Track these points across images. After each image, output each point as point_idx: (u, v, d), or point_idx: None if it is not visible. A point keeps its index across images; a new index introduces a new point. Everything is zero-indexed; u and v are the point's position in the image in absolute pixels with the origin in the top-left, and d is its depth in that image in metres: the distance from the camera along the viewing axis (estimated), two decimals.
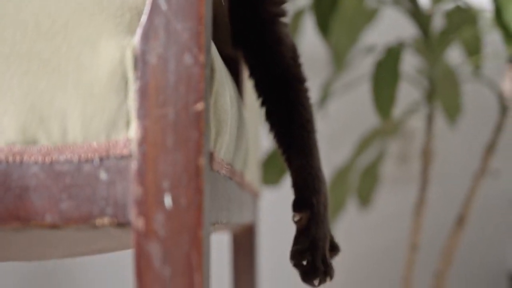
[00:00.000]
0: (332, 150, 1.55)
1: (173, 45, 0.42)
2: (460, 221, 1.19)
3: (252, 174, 0.83)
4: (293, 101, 0.62)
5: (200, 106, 0.42)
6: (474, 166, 1.28)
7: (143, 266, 0.41)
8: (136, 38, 0.43)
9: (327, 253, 0.61)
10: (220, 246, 1.43)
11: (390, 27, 1.45)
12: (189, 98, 0.42)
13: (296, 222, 0.60)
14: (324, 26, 1.12)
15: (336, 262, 1.53)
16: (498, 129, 1.18)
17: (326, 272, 0.59)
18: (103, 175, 0.42)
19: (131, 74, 0.43)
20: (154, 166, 0.42)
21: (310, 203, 0.59)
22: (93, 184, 0.42)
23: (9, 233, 0.44)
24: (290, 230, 1.61)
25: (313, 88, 1.49)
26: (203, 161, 0.42)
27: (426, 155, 1.18)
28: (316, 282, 0.59)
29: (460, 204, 1.23)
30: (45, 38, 0.43)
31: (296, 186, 0.61)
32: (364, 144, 1.28)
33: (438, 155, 1.52)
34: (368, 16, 1.27)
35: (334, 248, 0.63)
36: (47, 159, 0.43)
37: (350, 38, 1.28)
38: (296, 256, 0.59)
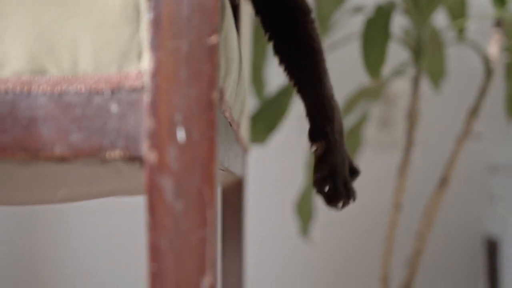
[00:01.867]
0: None
1: None
2: (442, 183, 1.20)
3: (244, 127, 0.83)
4: (300, 31, 0.62)
5: (214, 39, 0.41)
6: (458, 129, 1.29)
7: (155, 200, 0.41)
8: None
9: (348, 177, 0.62)
10: None
11: None
12: (203, 31, 0.41)
13: (313, 152, 0.61)
14: None
15: (320, 223, 1.53)
16: (483, 92, 1.19)
17: (349, 195, 0.61)
18: (114, 107, 0.42)
19: (143, 4, 0.42)
20: (167, 99, 0.41)
21: (324, 132, 0.60)
22: (104, 116, 0.42)
23: (12, 167, 0.43)
24: (276, 187, 1.60)
25: None
26: (216, 95, 0.41)
27: (412, 118, 1.19)
28: (339, 205, 0.61)
29: (442, 167, 1.24)
30: None
31: (310, 115, 0.62)
32: (349, 106, 1.28)
33: (422, 118, 1.53)
34: None
35: (354, 171, 0.65)
36: (56, 90, 0.42)
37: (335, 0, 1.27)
38: (318, 184, 0.60)
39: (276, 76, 1.43)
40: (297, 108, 1.46)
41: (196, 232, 0.40)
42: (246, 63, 0.97)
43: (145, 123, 0.41)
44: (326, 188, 0.60)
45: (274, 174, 1.55)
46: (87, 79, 0.42)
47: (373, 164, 1.55)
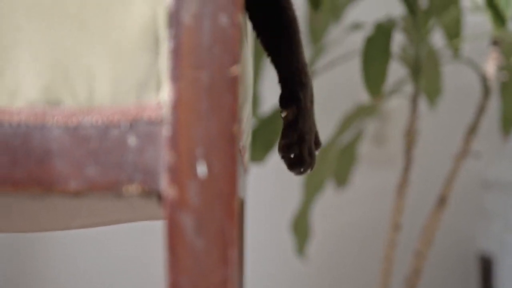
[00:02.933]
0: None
1: (209, 3, 0.40)
2: (441, 202, 1.19)
3: (248, 148, 0.81)
4: (276, 2, 0.61)
5: (236, 69, 0.40)
6: (454, 147, 1.29)
7: (175, 238, 0.39)
8: None
9: (313, 146, 0.63)
10: None
11: (373, 5, 1.44)
12: (225, 61, 0.40)
13: (283, 118, 0.61)
14: (316, 1, 1.10)
15: (316, 242, 1.51)
16: (481, 110, 1.19)
17: (312, 163, 0.62)
18: (131, 140, 0.40)
19: (163, 33, 0.40)
20: (188, 132, 0.39)
21: (297, 98, 0.60)
22: (121, 150, 0.40)
23: (24, 200, 0.41)
24: (272, 206, 1.59)
25: None
26: (237, 127, 0.40)
27: (410, 137, 1.18)
28: (301, 171, 0.63)
29: (439, 185, 1.23)
30: None
31: (282, 81, 0.62)
32: (346, 123, 1.27)
33: (419, 136, 1.53)
34: None
35: (317, 142, 0.66)
36: (71, 122, 0.40)
37: (333, 14, 1.27)
38: (284, 149, 0.62)
39: (270, 93, 1.42)
40: None
41: (218, 271, 0.39)
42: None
43: (165, 157, 0.39)
44: (292, 154, 0.60)
45: (270, 193, 1.53)
46: (103, 110, 0.40)
47: (368, 181, 1.54)
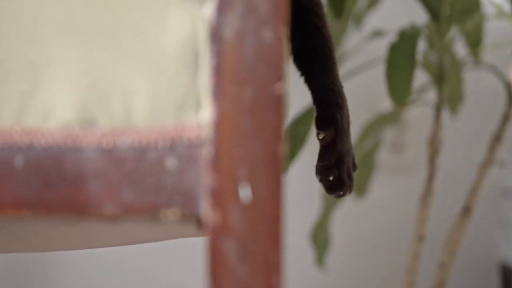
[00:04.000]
0: None
1: (252, 17, 0.38)
2: (465, 212, 1.16)
3: None
4: (310, 21, 0.59)
5: (280, 87, 0.38)
6: (477, 156, 1.26)
7: (218, 265, 0.37)
8: (210, 9, 0.38)
9: (351, 168, 0.61)
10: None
11: (393, 12, 1.42)
12: (268, 78, 0.38)
13: (320, 140, 0.59)
14: (339, 10, 1.08)
15: (337, 252, 1.49)
16: (505, 118, 1.16)
17: (351, 185, 0.60)
18: (170, 162, 0.38)
19: (203, 49, 0.38)
20: (230, 153, 0.37)
21: (334, 119, 0.59)
22: (159, 172, 0.38)
23: (57, 226, 0.39)
24: (292, 216, 1.56)
25: None
26: (282, 147, 0.38)
27: (434, 145, 1.16)
28: (341, 193, 0.60)
29: (462, 195, 1.21)
30: (105, 5, 0.38)
31: (318, 103, 0.60)
32: (367, 132, 1.25)
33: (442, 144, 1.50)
34: (371, 2, 1.24)
35: (354, 165, 0.64)
36: (107, 142, 0.38)
37: (353, 22, 1.25)
38: (323, 172, 0.59)
39: (291, 102, 1.40)
40: (313, 136, 1.43)
41: None
42: None
43: (206, 179, 0.37)
44: (331, 177, 0.58)
45: (290, 202, 1.51)
46: (140, 131, 0.38)
47: (388, 189, 1.52)
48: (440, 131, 1.16)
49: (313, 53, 0.60)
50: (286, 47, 0.38)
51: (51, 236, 0.46)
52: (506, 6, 1.11)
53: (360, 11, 1.26)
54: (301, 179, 1.49)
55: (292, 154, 1.13)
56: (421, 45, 1.26)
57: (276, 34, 0.38)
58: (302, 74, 0.61)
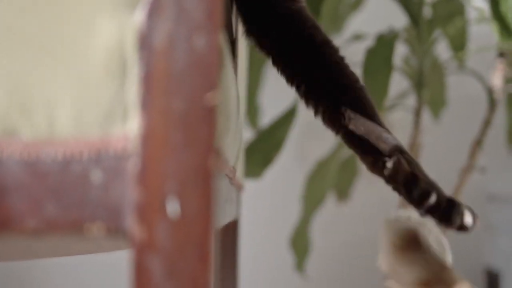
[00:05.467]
0: (315, 142, 1.50)
1: (184, 24, 0.36)
2: None
3: (239, 167, 0.77)
4: (334, 66, 0.56)
5: (212, 97, 0.36)
6: (459, 161, 1.25)
7: (142, 282, 0.35)
8: (140, 16, 0.36)
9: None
10: None
11: (374, 16, 1.40)
12: (200, 88, 0.36)
13: (389, 168, 0.57)
14: (315, 12, 1.06)
15: (315, 258, 1.47)
16: (487, 124, 1.15)
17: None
18: (95, 175, 0.36)
19: (131, 58, 0.36)
20: (158, 166, 0.35)
21: (396, 147, 0.57)
22: (84, 185, 0.36)
23: None
24: (270, 224, 1.55)
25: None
26: (213, 161, 0.36)
27: (414, 149, 1.14)
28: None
29: None
30: (30, 12, 0.36)
31: (372, 149, 0.58)
32: None
33: (423, 149, 1.49)
34: (353, 5, 1.22)
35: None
36: (29, 154, 0.36)
37: (334, 25, 1.23)
38: (423, 197, 0.55)
39: (269, 105, 1.38)
40: (293, 139, 1.42)
41: None
42: (242, 97, 0.91)
43: (132, 193, 0.36)
44: (432, 200, 0.54)
45: (269, 207, 1.49)
46: (65, 142, 0.36)
47: (370, 195, 1.50)
48: (419, 135, 1.14)
49: (349, 100, 0.57)
50: (220, 55, 0.36)
51: None
52: (487, 11, 1.09)
53: (342, 14, 1.25)
54: (280, 184, 1.47)
55: (269, 159, 1.11)
56: (403, 50, 1.25)
57: (209, 41, 0.36)
58: (338, 132, 0.60)
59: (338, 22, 1.22)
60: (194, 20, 0.36)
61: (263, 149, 1.10)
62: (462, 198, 1.46)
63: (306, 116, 1.50)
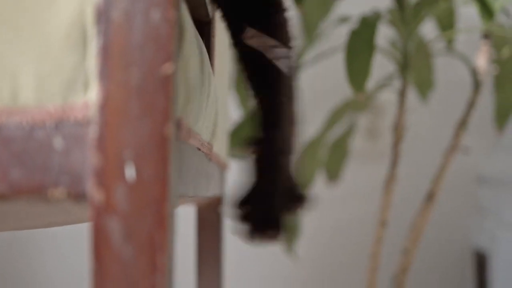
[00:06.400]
0: (303, 123, 1.51)
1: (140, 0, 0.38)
2: (430, 198, 1.17)
3: (220, 145, 0.79)
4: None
5: (168, 68, 0.38)
6: (444, 142, 1.26)
7: (101, 244, 0.37)
8: None
9: (277, 214, 0.58)
10: (185, 219, 1.40)
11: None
12: (157, 60, 0.38)
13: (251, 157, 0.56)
14: None
15: (303, 239, 1.49)
16: (471, 105, 1.16)
17: (271, 232, 0.57)
18: (57, 142, 0.38)
19: (91, 30, 0.38)
20: (116, 134, 0.37)
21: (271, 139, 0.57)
22: (47, 152, 0.38)
23: None
24: None
25: None
26: (170, 129, 0.38)
27: (398, 130, 1.16)
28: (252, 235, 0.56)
29: (429, 181, 1.21)
30: None
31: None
32: (335, 118, 1.25)
33: (409, 131, 1.50)
34: None
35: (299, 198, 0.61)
36: None
37: (322, 8, 1.24)
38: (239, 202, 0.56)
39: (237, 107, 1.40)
40: None
41: (146, 279, 0.37)
42: (226, 76, 0.93)
43: (91, 159, 0.38)
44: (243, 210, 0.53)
45: None
46: (28, 111, 0.38)
47: (360, 176, 1.52)
48: (404, 116, 1.16)
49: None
50: (175, 29, 0.38)
51: None
52: None
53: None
54: None
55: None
56: (390, 32, 1.26)
57: (165, 16, 0.38)
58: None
59: (326, 5, 1.24)
60: None
61: (249, 131, 1.12)
62: (451, 181, 1.48)
63: (303, 98, 1.52)
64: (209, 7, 0.67)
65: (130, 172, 0.37)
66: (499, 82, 1.18)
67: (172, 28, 0.38)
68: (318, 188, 1.47)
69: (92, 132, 0.38)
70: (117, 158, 0.37)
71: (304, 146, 1.26)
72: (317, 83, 1.50)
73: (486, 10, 0.98)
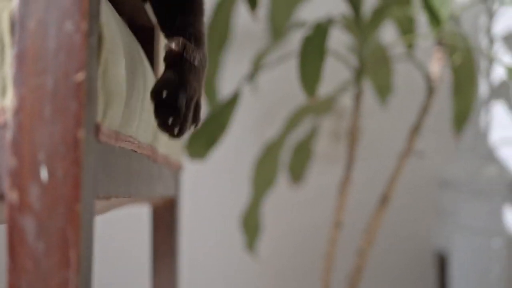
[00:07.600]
0: (264, 125, 1.54)
1: (54, 10, 0.40)
2: (384, 200, 1.20)
3: (169, 147, 0.82)
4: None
5: (80, 76, 0.40)
6: (401, 146, 1.30)
7: (16, 241, 0.40)
8: (15, 1, 0.40)
9: (195, 105, 0.58)
10: (139, 219, 1.42)
11: (326, 2, 1.44)
12: (69, 67, 0.40)
13: (167, 54, 0.56)
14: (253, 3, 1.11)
15: (264, 238, 1.51)
16: (424, 110, 1.20)
17: (186, 118, 0.55)
18: None
19: (7, 39, 0.41)
20: (30, 137, 0.40)
21: (187, 34, 0.56)
22: None
23: None
24: (213, 203, 1.59)
25: (246, 63, 1.47)
26: (82, 133, 0.40)
27: (353, 134, 1.19)
28: (171, 121, 0.54)
29: (384, 184, 1.24)
30: None
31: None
32: (294, 120, 1.28)
33: (366, 134, 1.53)
34: None
35: (197, 117, 0.60)
36: None
37: (287, 11, 1.27)
38: (161, 85, 0.54)
39: (229, 86, 1.43)
40: (241, 120, 1.46)
41: (58, 273, 0.40)
42: None
43: (7, 161, 0.40)
44: (165, 93, 0.52)
45: (219, 189, 1.54)
46: None
47: (323, 178, 1.55)
48: (359, 120, 1.19)
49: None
50: (89, 39, 0.41)
51: None
52: None
53: (291, 2, 1.29)
54: (230, 165, 1.52)
55: (214, 140, 1.15)
56: (347, 38, 1.29)
57: (77, 26, 0.40)
58: (164, 30, 0.57)
59: (292, 6, 1.26)
60: (63, 7, 0.40)
61: (207, 132, 1.15)
62: (413, 184, 1.51)
63: (255, 102, 1.55)
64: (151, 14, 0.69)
65: (43, 173, 0.40)
66: (456, 88, 1.21)
67: (85, 38, 0.40)
68: (282, 188, 1.50)
69: (9, 135, 0.40)
70: (32, 160, 0.40)
71: (265, 147, 1.29)
72: (280, 85, 1.53)
73: (435, 18, 1.02)
